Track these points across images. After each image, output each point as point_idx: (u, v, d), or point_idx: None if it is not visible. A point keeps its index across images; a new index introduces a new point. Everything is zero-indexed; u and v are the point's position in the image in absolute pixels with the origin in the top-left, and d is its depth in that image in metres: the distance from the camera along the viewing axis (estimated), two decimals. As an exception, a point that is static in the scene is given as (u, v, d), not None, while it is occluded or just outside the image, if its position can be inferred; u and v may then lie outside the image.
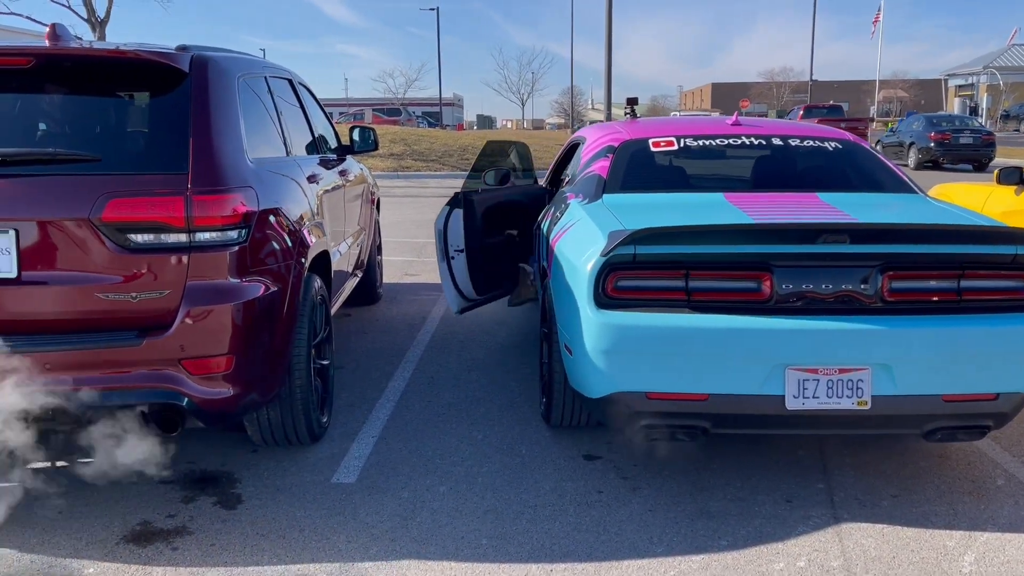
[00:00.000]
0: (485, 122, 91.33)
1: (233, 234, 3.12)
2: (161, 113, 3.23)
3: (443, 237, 5.01)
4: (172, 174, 3.00)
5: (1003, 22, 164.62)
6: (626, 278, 3.14)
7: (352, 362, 5.13)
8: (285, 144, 4.11)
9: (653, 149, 4.17)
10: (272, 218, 3.39)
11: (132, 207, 2.91)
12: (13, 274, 2.88)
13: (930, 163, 22.56)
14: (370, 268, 6.25)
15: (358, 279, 5.73)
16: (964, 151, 22.23)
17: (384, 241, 7.44)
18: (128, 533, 3.05)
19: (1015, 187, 5.61)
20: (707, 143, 4.20)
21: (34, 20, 22.44)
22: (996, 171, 5.73)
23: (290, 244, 3.53)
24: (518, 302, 5.38)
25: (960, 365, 3.08)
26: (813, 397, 3.10)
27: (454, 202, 4.95)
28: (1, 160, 2.92)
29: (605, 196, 3.87)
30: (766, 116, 45.48)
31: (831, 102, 37.18)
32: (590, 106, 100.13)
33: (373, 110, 50.79)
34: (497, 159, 6.36)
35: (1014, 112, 40.77)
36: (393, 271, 7.95)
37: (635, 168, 4.07)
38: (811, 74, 52.55)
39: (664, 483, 3.46)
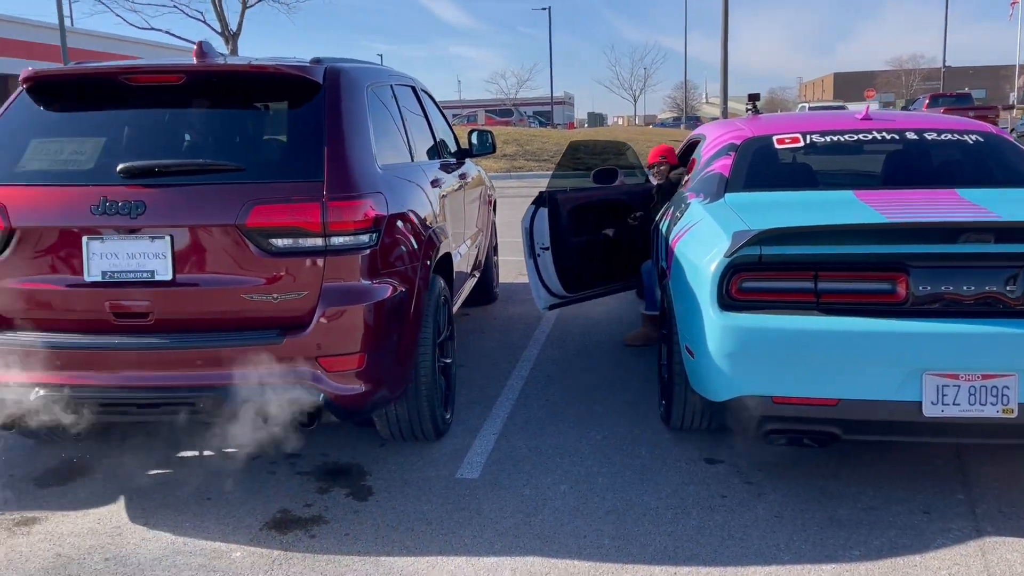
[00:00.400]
0: (596, 120, 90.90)
1: (365, 238, 3.25)
2: (298, 123, 3.41)
3: (529, 235, 5.13)
4: (309, 181, 3.16)
5: None
6: (751, 279, 3.08)
7: (471, 360, 5.25)
8: (410, 150, 4.25)
9: (777, 146, 4.07)
10: (400, 222, 3.52)
11: (274, 213, 3.09)
12: (168, 276, 3.11)
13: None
14: (487, 268, 6.37)
15: (476, 279, 5.86)
16: None
17: (499, 242, 7.56)
18: (270, 520, 3.23)
19: None
20: (835, 139, 4.06)
21: (175, 35, 23.93)
22: None
23: (416, 247, 3.65)
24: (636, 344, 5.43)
25: (1119, 372, 2.88)
26: (953, 404, 2.96)
27: (539, 201, 5.10)
28: (157, 170, 3.16)
29: (727, 195, 3.81)
30: (893, 106, 43.28)
31: (960, 90, 35.10)
32: (704, 100, 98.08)
33: (485, 111, 51.48)
34: (587, 158, 6.46)
35: None
36: (508, 271, 8.06)
37: (758, 166, 3.99)
38: (944, 60, 49.63)
39: (790, 489, 3.38)
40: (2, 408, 3.11)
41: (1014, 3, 47.25)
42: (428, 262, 3.77)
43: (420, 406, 3.70)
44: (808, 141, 4.07)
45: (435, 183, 4.38)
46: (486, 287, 6.48)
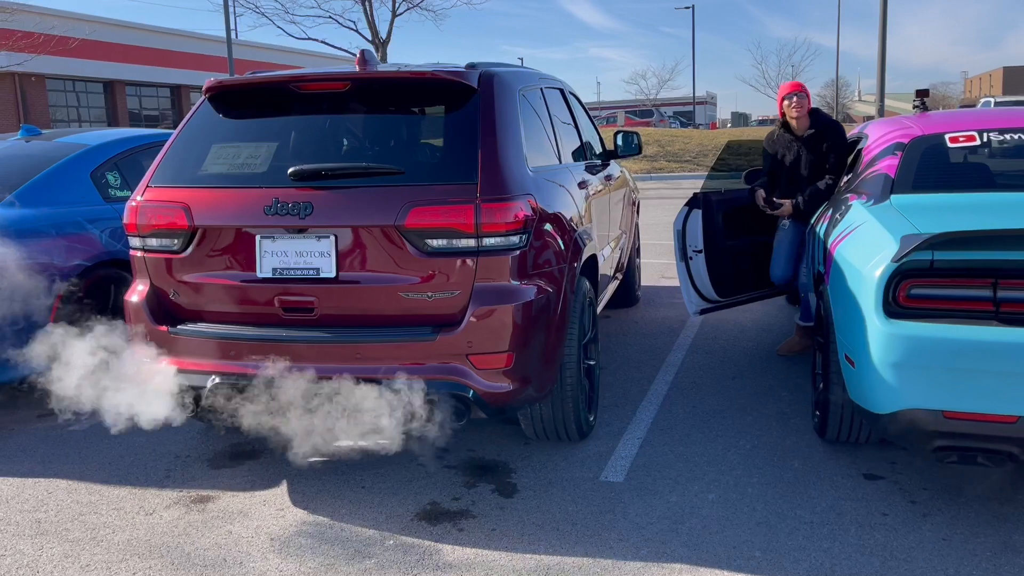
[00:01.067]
0: (739, 119, 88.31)
1: (515, 239, 3.30)
2: (453, 127, 3.51)
3: (681, 237, 5.05)
4: (463, 184, 3.25)
5: None
6: (921, 286, 2.91)
7: (613, 363, 5.22)
8: (558, 152, 4.28)
9: (950, 145, 3.81)
10: (548, 224, 3.55)
11: (430, 214, 3.19)
12: (332, 274, 3.28)
13: None
14: (630, 271, 6.33)
15: (619, 282, 5.82)
16: None
17: (641, 244, 7.48)
18: (420, 511, 3.34)
19: None
20: (1015, 136, 3.77)
21: (331, 44, 25.16)
22: None
23: (563, 248, 3.67)
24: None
25: None
26: None
27: (693, 202, 4.99)
28: (324, 173, 3.33)
29: (893, 197, 3.61)
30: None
31: None
32: (856, 98, 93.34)
33: (625, 112, 51.02)
34: (732, 159, 6.29)
35: None
36: (650, 274, 7.96)
37: (928, 166, 3.75)
38: None
39: (959, 511, 3.16)
40: (184, 393, 3.37)
41: None
42: (575, 264, 3.78)
43: (565, 406, 3.72)
44: (984, 139, 3.80)
45: (582, 185, 4.40)
46: (628, 289, 6.43)
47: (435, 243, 3.21)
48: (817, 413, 3.86)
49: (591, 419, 4.04)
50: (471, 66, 3.64)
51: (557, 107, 4.65)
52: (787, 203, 4.85)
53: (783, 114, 4.97)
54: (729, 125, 79.45)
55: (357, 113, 3.64)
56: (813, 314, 4.36)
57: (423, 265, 3.22)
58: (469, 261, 3.23)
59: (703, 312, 5.29)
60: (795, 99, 4.89)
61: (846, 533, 3.04)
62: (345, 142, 3.69)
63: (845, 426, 3.59)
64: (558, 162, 4.21)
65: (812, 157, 4.90)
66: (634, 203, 6.53)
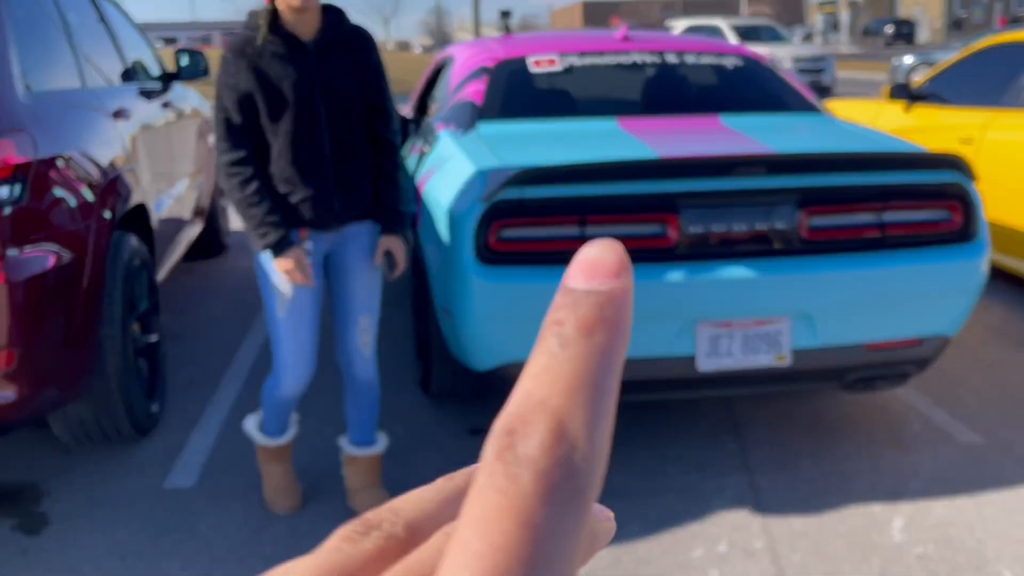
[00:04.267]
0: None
1: (2, 192, 2.38)
2: None
3: None
4: None
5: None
6: (513, 227, 2.61)
7: (193, 328, 4.41)
8: (80, 71, 3.29)
9: (535, 68, 3.59)
10: (59, 167, 2.65)
11: None
12: None
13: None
14: (212, 215, 5.44)
15: (199, 229, 4.96)
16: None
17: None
18: None
19: (904, 102, 5.40)
20: (594, 61, 3.66)
21: None
22: (886, 87, 5.50)
23: (91, 198, 2.79)
24: None
25: (884, 309, 2.76)
26: (727, 355, 2.71)
27: None
28: None
29: (481, 125, 3.29)
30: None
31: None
32: (458, 25, 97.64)
33: (222, 33, 47.24)
34: None
35: (873, 28, 42.00)
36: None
37: (514, 91, 3.50)
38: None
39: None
40: None
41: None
42: (110, 216, 2.92)
43: (110, 401, 2.90)
44: (566, 63, 3.64)
45: (122, 114, 3.46)
46: (213, 237, 5.54)
47: None
48: (421, 366, 3.51)
49: (154, 409, 3.25)
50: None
51: (80, 13, 3.60)
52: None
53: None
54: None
55: None
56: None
57: None
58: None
59: None
60: None
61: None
62: None
63: (449, 381, 3.28)
64: (81, 84, 3.24)
65: (337, 88, 2.43)
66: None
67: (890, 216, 2.76)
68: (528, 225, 2.59)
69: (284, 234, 2.35)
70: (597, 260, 0.21)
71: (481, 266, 2.59)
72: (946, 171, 2.75)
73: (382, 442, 2.74)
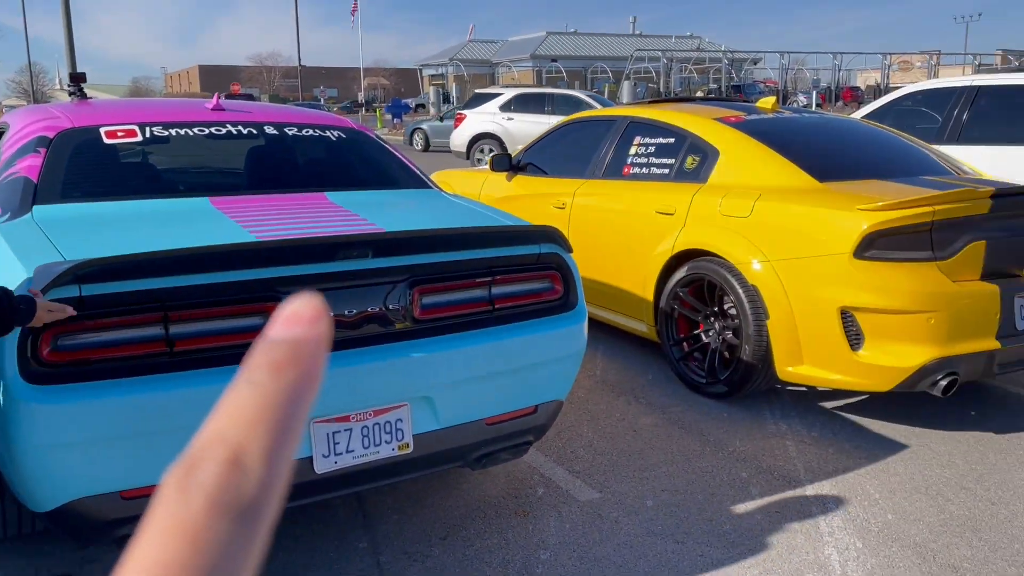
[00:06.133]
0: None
1: None
2: None
3: None
4: None
5: (463, 19, 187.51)
6: (70, 333, 2.14)
7: None
8: None
9: (107, 140, 3.11)
10: None
11: None
12: None
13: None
14: None
15: None
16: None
17: None
18: None
19: (507, 173, 5.75)
20: (182, 132, 3.29)
21: None
22: (490, 158, 5.83)
23: None
24: None
25: (500, 382, 2.76)
26: (347, 452, 2.49)
27: None
28: None
29: (36, 208, 2.73)
30: (260, 100, 44.57)
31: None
32: (58, 86, 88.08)
33: None
34: None
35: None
36: None
37: (81, 167, 2.98)
38: (299, 59, 53.17)
39: None
40: None
41: (354, 11, 52.76)
42: None
43: None
44: (148, 134, 3.22)
45: None
46: None
47: None
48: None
49: None
50: None
51: None
52: None
53: None
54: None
55: None
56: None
57: None
58: None
59: None
60: None
61: None
62: None
63: (13, 523, 2.62)
64: None
65: None
66: None
67: (498, 290, 2.79)
68: (91, 330, 2.15)
69: None
70: (294, 312, 0.25)
71: (30, 386, 2.07)
72: (544, 243, 2.85)
73: None
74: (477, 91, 20.53)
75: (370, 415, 2.52)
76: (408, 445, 2.59)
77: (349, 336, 2.50)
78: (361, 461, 2.51)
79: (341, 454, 2.48)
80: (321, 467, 2.45)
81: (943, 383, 3.52)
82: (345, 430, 2.48)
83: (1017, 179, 4.70)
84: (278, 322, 0.24)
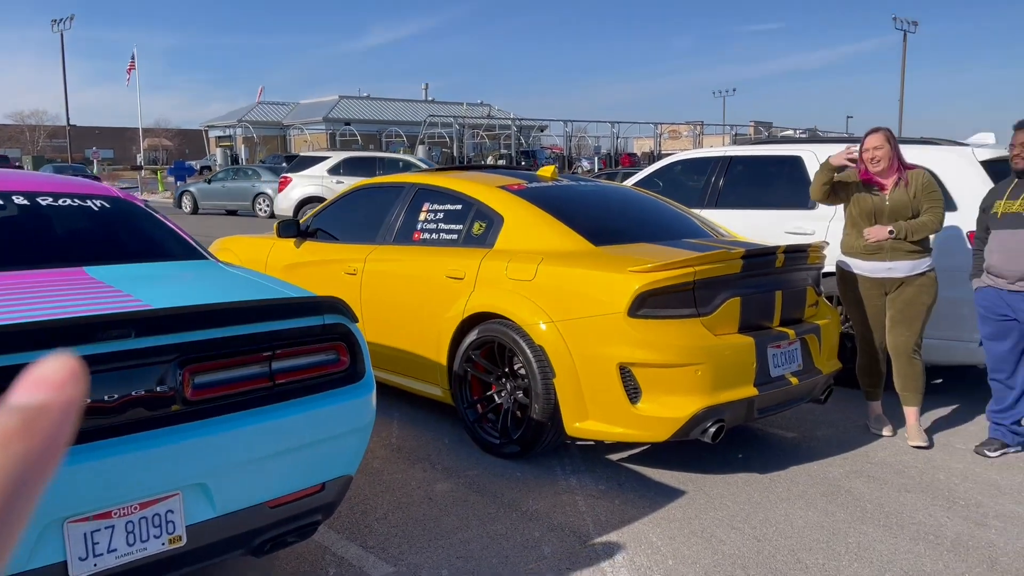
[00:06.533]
0: None
1: None
2: None
3: None
4: None
5: (252, 80, 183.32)
6: None
7: None
8: None
9: None
10: None
11: None
12: None
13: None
14: None
15: None
16: None
17: None
18: None
19: (295, 239, 5.62)
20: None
21: None
22: (276, 224, 5.67)
23: None
24: None
25: (283, 461, 2.64)
26: (109, 552, 2.27)
27: None
28: None
29: None
30: (20, 163, 40.71)
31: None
32: None
33: None
34: None
35: (269, 162, 44.78)
36: None
37: None
38: (67, 119, 49.47)
39: None
40: None
41: (130, 69, 49.98)
42: None
43: None
44: None
45: None
46: None
47: None
48: None
49: None
50: None
51: None
52: None
53: None
54: None
55: None
56: None
57: None
58: None
59: None
60: None
61: None
62: None
63: None
64: None
65: None
66: None
67: (279, 364, 2.69)
68: None
69: None
70: (41, 375, 0.23)
71: None
72: (329, 314, 2.79)
73: None
74: (302, 154, 20.20)
75: (135, 508, 2.32)
76: (180, 538, 2.40)
77: (111, 423, 2.30)
78: (126, 560, 2.29)
79: (101, 555, 2.25)
80: (78, 571, 2.21)
81: (712, 430, 3.80)
82: (106, 527, 2.26)
83: (766, 240, 5.25)
84: (22, 386, 0.22)
